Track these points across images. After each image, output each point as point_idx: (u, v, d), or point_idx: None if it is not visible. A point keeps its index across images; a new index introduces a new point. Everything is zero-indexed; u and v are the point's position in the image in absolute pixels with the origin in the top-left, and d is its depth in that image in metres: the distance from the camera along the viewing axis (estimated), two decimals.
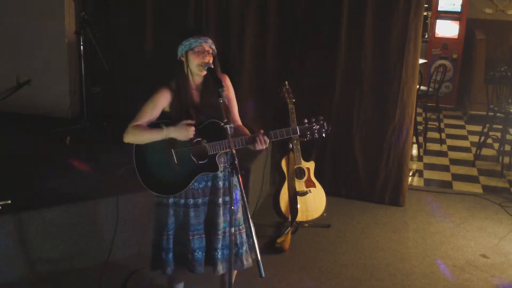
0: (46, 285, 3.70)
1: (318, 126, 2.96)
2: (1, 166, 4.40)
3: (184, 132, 2.89)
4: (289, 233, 4.29)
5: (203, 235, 3.07)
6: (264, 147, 2.92)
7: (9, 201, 3.62)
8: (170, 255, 3.07)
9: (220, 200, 3.05)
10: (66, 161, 4.55)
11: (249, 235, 3.07)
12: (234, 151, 2.73)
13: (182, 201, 3.03)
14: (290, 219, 4.40)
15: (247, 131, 3.04)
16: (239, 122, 3.15)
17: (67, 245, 3.81)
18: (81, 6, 5.66)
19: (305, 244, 4.35)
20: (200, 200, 3.04)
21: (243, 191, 2.65)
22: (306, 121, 2.98)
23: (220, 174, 3.03)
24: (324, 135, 2.99)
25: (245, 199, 2.66)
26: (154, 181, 3.00)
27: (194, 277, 3.27)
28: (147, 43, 5.52)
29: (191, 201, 3.03)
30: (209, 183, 3.05)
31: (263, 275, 2.50)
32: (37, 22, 5.66)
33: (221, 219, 3.05)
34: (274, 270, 3.92)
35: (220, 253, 3.07)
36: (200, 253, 3.06)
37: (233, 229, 2.72)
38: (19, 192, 3.84)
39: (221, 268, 3.09)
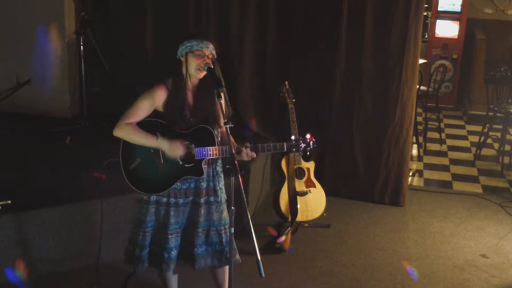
0: (46, 285, 3.70)
1: (304, 145, 3.07)
2: (1, 166, 4.40)
3: (174, 152, 2.90)
4: (289, 233, 4.29)
5: (179, 234, 3.10)
6: (249, 159, 2.98)
7: (9, 201, 3.62)
8: (145, 252, 3.08)
9: (202, 200, 3.06)
10: (66, 161, 4.56)
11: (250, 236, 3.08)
12: (234, 151, 2.74)
13: (165, 199, 3.05)
14: (290, 219, 4.40)
15: (232, 139, 3.04)
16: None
17: (67, 245, 3.81)
18: (81, 6, 5.67)
19: (305, 244, 4.35)
20: (181, 201, 3.05)
21: (243, 191, 2.65)
22: (293, 138, 3.09)
23: (203, 176, 3.04)
24: (308, 153, 3.16)
25: (245, 199, 2.66)
26: (138, 178, 3.00)
27: (191, 276, 3.28)
28: (147, 43, 5.52)
29: (173, 200, 3.04)
30: (192, 185, 3.06)
31: (263, 275, 2.51)
32: (37, 22, 5.66)
33: (202, 218, 3.07)
34: (274, 270, 3.92)
35: (200, 250, 3.09)
36: (175, 251, 3.08)
37: (233, 229, 2.74)
38: (19, 192, 3.84)
39: (202, 264, 3.11)
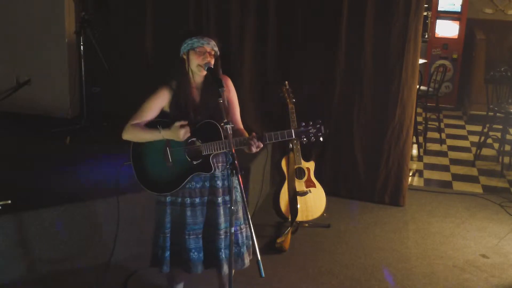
0: (46, 285, 3.69)
1: (314, 130, 2.88)
2: (1, 166, 4.40)
3: (177, 134, 2.89)
4: (289, 233, 4.29)
5: (200, 236, 3.07)
6: (257, 150, 2.88)
7: (9, 201, 3.62)
8: (167, 253, 3.08)
9: (220, 199, 3.04)
10: (66, 161, 4.56)
11: (249, 235, 3.07)
12: (234, 151, 2.73)
13: (179, 199, 3.04)
14: (290, 219, 4.40)
15: (247, 135, 3.02)
16: (240, 125, 3.13)
17: (67, 245, 3.81)
18: (81, 6, 5.67)
19: (305, 244, 4.35)
20: (197, 200, 3.04)
21: (243, 191, 2.65)
22: (303, 124, 2.90)
23: (218, 174, 3.03)
24: (321, 139, 2.90)
25: (245, 199, 2.66)
26: (149, 179, 3.02)
27: (194, 277, 3.27)
28: (147, 43, 5.52)
29: (188, 200, 3.03)
30: (207, 183, 3.04)
31: (263, 275, 2.50)
32: (37, 22, 5.66)
33: (222, 219, 3.04)
34: (274, 270, 3.92)
35: (224, 253, 3.05)
36: (195, 253, 3.05)
37: (233, 229, 2.72)
38: (19, 192, 3.83)
39: (226, 268, 3.06)
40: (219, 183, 3.04)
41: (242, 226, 3.10)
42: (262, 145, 2.89)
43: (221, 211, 3.04)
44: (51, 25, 5.65)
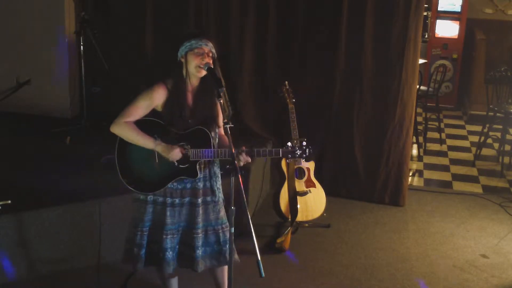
0: (46, 285, 3.70)
1: (300, 152, 3.00)
2: (1, 166, 4.40)
3: (172, 153, 2.90)
4: (289, 233, 4.29)
5: (175, 235, 3.08)
6: (244, 163, 2.93)
7: (9, 201, 3.62)
8: (143, 251, 3.08)
9: (200, 200, 3.05)
10: (66, 161, 4.56)
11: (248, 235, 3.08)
12: (234, 151, 2.74)
13: (161, 199, 3.05)
14: (290, 219, 4.40)
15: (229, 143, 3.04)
16: (223, 132, 3.15)
17: (67, 245, 3.81)
18: (81, 6, 5.67)
19: (305, 244, 4.35)
20: (177, 200, 3.04)
21: (243, 191, 2.65)
22: (290, 144, 3.01)
23: (200, 176, 3.03)
24: (303, 160, 3.07)
25: (245, 199, 2.66)
26: (132, 176, 3.01)
27: (190, 277, 3.27)
28: (147, 43, 5.52)
29: (169, 200, 3.04)
30: (188, 185, 3.05)
31: (263, 275, 2.51)
32: (37, 22, 5.66)
33: (200, 219, 3.06)
34: (274, 270, 3.92)
35: (201, 251, 3.07)
36: (170, 253, 3.06)
37: (232, 229, 2.72)
38: (19, 192, 3.84)
39: (202, 266, 3.09)
40: (200, 184, 3.05)
41: (224, 225, 3.11)
42: (250, 160, 2.94)
43: (200, 211, 3.06)
44: (51, 25, 5.65)
